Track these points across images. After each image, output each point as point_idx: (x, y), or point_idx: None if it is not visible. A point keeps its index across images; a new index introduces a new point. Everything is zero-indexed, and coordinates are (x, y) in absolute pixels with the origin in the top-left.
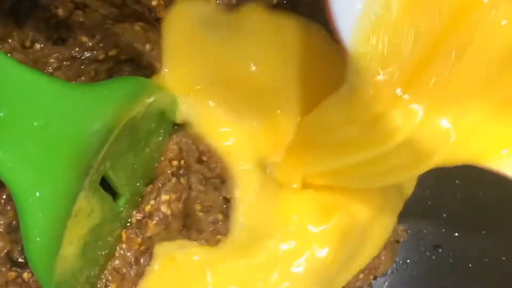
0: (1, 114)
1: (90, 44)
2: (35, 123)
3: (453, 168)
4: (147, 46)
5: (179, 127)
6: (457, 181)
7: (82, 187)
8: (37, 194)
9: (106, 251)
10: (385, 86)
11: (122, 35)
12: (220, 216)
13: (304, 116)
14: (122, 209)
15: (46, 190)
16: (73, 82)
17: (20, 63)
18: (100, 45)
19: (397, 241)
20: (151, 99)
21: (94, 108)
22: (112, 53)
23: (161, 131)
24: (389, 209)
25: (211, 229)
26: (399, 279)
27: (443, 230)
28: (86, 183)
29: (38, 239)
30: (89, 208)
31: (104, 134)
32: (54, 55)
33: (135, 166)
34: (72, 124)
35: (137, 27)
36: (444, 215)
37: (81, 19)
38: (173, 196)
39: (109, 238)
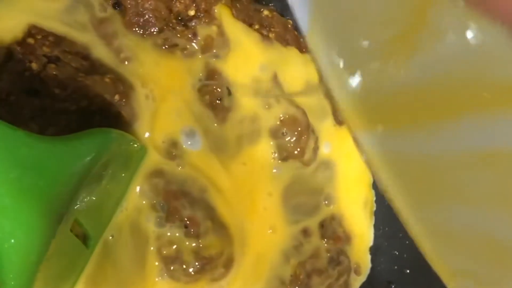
0: None
1: (62, 96)
2: (10, 175)
3: None
4: (116, 97)
5: None
6: None
7: (55, 234)
8: (12, 240)
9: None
10: None
11: (92, 87)
12: None
13: None
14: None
15: (21, 237)
16: (46, 131)
17: None
18: (72, 96)
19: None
20: (118, 148)
21: (66, 160)
22: (83, 104)
23: (125, 176)
24: None
25: None
26: None
27: (396, 267)
28: (58, 230)
29: (12, 282)
30: (60, 252)
31: (76, 184)
32: (28, 106)
33: (102, 210)
34: (45, 175)
35: (107, 79)
36: (396, 253)
37: (54, 72)
38: None
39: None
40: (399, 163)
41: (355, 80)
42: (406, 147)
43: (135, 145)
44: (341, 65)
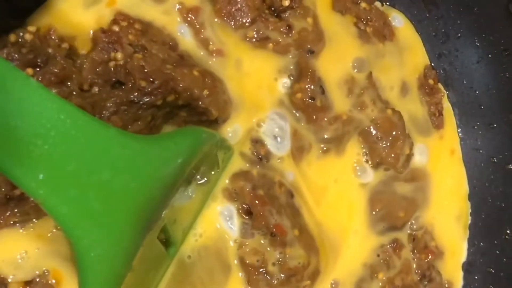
0: (69, 168)
1: (149, 89)
2: (101, 177)
3: (502, 222)
4: (205, 92)
5: None
6: (507, 237)
7: (143, 242)
8: (99, 250)
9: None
10: None
11: (181, 81)
12: None
13: None
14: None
15: (109, 245)
16: (130, 126)
17: (90, 115)
18: (159, 90)
19: None
20: (209, 149)
21: (159, 161)
22: (170, 98)
23: (212, 177)
24: None
25: None
26: None
27: (491, 286)
28: (147, 238)
29: None
30: (143, 260)
31: (167, 187)
32: (112, 99)
33: (188, 214)
34: (137, 177)
35: (196, 72)
36: (492, 271)
37: (141, 63)
38: None
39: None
40: None
41: None
42: None
43: (225, 145)
44: None
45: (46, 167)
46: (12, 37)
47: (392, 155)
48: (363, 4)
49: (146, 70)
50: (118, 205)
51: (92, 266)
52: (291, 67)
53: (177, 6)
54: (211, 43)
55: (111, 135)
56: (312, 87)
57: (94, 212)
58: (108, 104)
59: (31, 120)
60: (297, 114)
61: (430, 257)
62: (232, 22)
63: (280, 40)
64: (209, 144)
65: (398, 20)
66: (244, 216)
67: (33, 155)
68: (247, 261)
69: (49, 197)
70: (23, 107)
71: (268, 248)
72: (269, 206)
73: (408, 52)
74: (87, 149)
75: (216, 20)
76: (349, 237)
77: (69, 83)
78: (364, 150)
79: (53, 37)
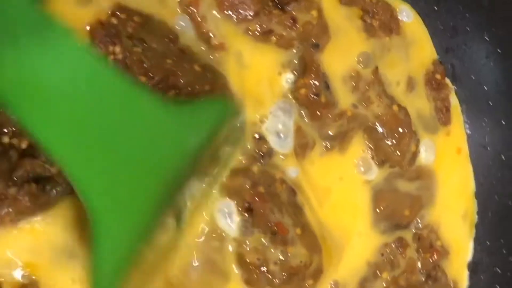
0: (98, 131)
1: (149, 84)
2: (131, 141)
3: (509, 221)
4: (206, 87)
5: None
6: None
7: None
8: (119, 223)
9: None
10: None
11: (182, 76)
12: None
13: None
14: None
15: (130, 215)
16: None
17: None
18: (159, 86)
19: None
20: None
21: (189, 128)
22: (170, 94)
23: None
24: None
25: None
26: None
27: (497, 286)
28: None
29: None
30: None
31: (193, 162)
32: None
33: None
34: (167, 145)
35: (197, 67)
36: (499, 271)
37: (140, 58)
38: None
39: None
40: None
41: None
42: None
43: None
44: None
45: (73, 128)
46: None
47: (398, 153)
48: None
49: (145, 65)
50: (144, 173)
51: (110, 235)
52: (295, 62)
53: None
54: (212, 36)
55: (145, 97)
56: (316, 82)
57: (119, 179)
58: None
59: (65, 74)
60: (301, 110)
61: (435, 256)
62: (235, 15)
63: (284, 33)
64: (233, 119)
65: (406, 13)
66: (244, 213)
67: (62, 114)
68: (247, 260)
69: (73, 158)
70: (61, 63)
71: (269, 247)
72: (270, 204)
73: (415, 46)
74: (121, 111)
75: (218, 13)
76: (352, 235)
77: None
78: (369, 147)
79: None
